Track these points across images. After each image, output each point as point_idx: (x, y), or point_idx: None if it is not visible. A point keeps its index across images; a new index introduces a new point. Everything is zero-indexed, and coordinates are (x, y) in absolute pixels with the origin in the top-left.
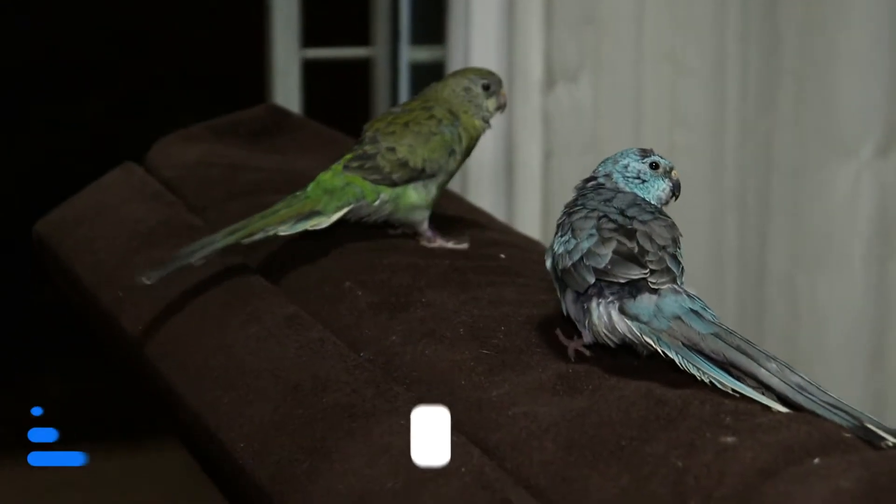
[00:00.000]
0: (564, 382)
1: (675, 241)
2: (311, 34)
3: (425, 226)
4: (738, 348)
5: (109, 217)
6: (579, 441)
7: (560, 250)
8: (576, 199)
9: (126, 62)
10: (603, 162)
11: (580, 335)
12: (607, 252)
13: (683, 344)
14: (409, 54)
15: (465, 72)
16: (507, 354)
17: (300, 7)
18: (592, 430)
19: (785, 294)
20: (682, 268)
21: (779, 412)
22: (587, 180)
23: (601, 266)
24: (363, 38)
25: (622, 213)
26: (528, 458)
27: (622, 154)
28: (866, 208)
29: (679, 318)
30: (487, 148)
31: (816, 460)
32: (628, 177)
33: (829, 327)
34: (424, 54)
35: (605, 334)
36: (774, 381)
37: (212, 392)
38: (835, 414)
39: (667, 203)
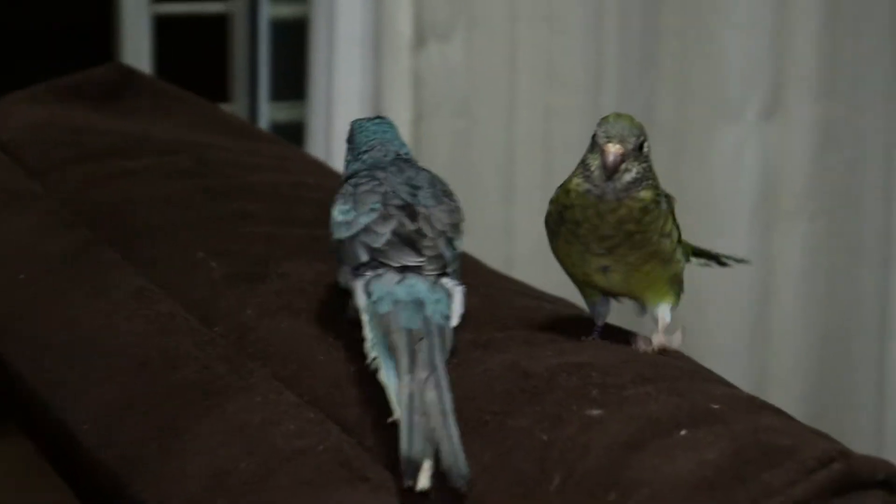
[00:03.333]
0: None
1: (456, 227)
2: None
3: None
4: (408, 351)
5: None
6: None
7: (340, 219)
8: (368, 168)
9: None
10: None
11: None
12: (385, 231)
13: (383, 334)
14: (270, 10)
15: None
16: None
17: None
18: (455, 404)
19: None
20: (457, 254)
21: (647, 388)
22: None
23: (377, 245)
24: None
25: (413, 190)
26: (388, 435)
27: None
28: (751, 173)
29: (399, 303)
30: (352, 112)
31: (683, 432)
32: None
33: (711, 295)
34: (286, 10)
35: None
36: (404, 393)
37: (54, 370)
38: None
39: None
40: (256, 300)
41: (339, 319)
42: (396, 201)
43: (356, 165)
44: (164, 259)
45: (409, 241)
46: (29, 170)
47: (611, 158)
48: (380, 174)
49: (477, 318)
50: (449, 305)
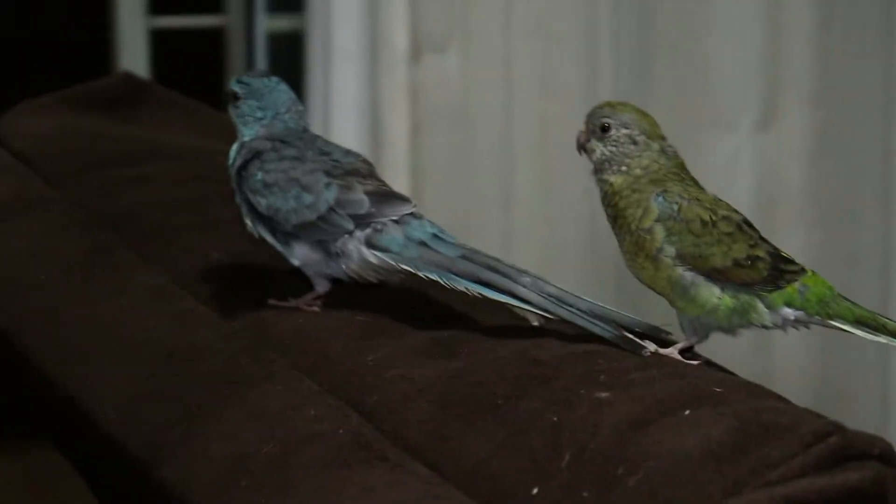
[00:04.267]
0: (440, 346)
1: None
2: (159, 1)
3: None
4: (488, 267)
5: None
6: (455, 401)
7: (288, 206)
8: (260, 156)
9: None
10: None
11: (312, 288)
12: (361, 196)
13: (437, 267)
14: (266, 23)
15: None
16: (383, 320)
17: None
18: (468, 389)
19: None
20: None
21: (652, 372)
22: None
23: (363, 211)
24: (214, 6)
25: (329, 156)
26: (405, 419)
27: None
28: (746, 182)
29: (425, 244)
30: (350, 124)
31: (687, 412)
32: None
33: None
34: (282, 23)
35: (361, 272)
36: (532, 296)
37: (79, 365)
38: (594, 324)
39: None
40: (268, 293)
41: (354, 312)
42: (339, 170)
43: (260, 132)
44: (180, 259)
45: (390, 195)
46: (45, 177)
47: (577, 136)
48: (293, 151)
49: (485, 309)
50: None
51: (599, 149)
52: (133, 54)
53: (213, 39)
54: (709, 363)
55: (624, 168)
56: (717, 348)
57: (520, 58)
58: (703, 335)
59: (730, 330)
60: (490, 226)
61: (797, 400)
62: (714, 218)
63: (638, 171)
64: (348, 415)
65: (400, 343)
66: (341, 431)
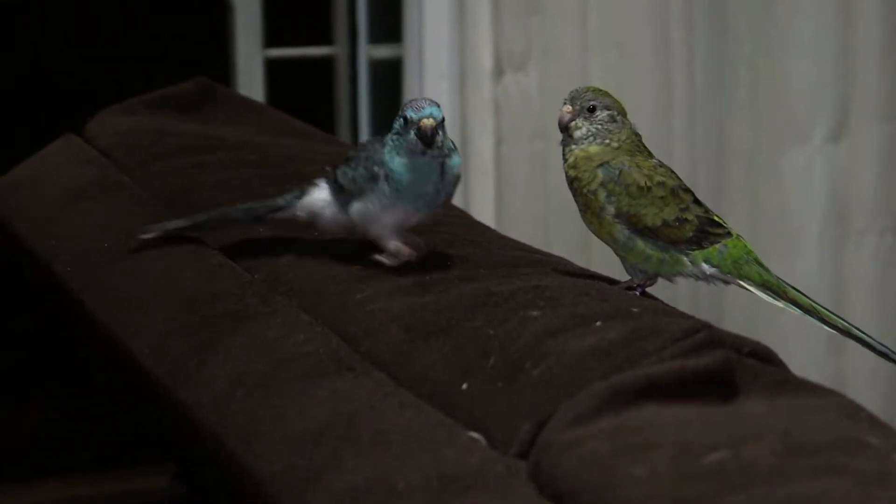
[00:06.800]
0: (419, 286)
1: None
2: (274, 34)
3: None
4: None
5: (46, 180)
6: (417, 325)
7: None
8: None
9: (93, 57)
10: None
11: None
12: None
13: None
14: (368, 52)
15: None
16: (378, 269)
17: (262, 8)
18: (430, 316)
19: None
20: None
21: (584, 298)
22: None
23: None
24: (326, 38)
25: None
26: (377, 341)
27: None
28: (820, 192)
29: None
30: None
31: (598, 323)
32: (393, 132)
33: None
34: (384, 52)
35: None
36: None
37: (123, 312)
38: None
39: (423, 153)
40: (291, 254)
41: (352, 262)
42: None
43: None
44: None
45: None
46: (119, 166)
47: (560, 116)
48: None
49: (470, 261)
50: None
51: (585, 126)
52: (251, 82)
53: (324, 67)
54: (651, 298)
55: (607, 141)
56: (795, 348)
57: (595, 73)
58: (645, 278)
59: (665, 276)
60: (569, 231)
61: (870, 400)
62: (650, 184)
63: (615, 144)
64: (330, 338)
65: (386, 284)
66: (321, 351)
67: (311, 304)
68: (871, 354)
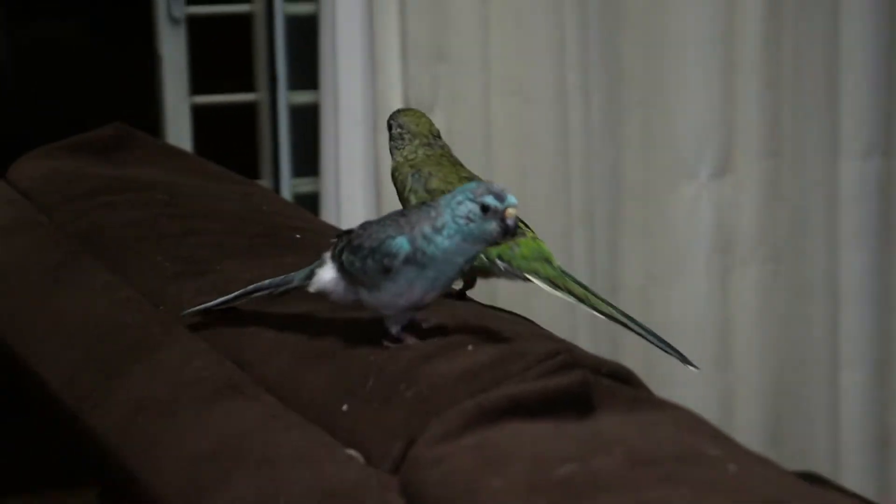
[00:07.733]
0: (315, 316)
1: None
2: (200, 82)
3: None
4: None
5: None
6: (307, 353)
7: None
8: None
9: (26, 104)
10: (443, 197)
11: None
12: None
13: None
14: (289, 98)
15: None
16: (274, 301)
17: (188, 57)
18: (320, 343)
19: (638, 305)
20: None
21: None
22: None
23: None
24: (248, 85)
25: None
26: (270, 367)
27: (461, 190)
28: (707, 224)
29: None
30: (355, 182)
31: (470, 347)
32: (458, 216)
33: (679, 334)
34: (303, 97)
35: None
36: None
37: (40, 345)
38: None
39: (499, 242)
40: (195, 286)
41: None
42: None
43: None
44: (130, 263)
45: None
46: (38, 207)
47: None
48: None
49: None
50: None
51: (389, 141)
52: (178, 127)
53: (247, 113)
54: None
55: (395, 154)
56: (682, 377)
57: (499, 116)
58: (463, 278)
59: (479, 272)
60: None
61: (756, 417)
62: (447, 190)
63: (400, 159)
64: (225, 365)
65: (286, 312)
66: (217, 376)
67: (210, 333)
68: (755, 378)
